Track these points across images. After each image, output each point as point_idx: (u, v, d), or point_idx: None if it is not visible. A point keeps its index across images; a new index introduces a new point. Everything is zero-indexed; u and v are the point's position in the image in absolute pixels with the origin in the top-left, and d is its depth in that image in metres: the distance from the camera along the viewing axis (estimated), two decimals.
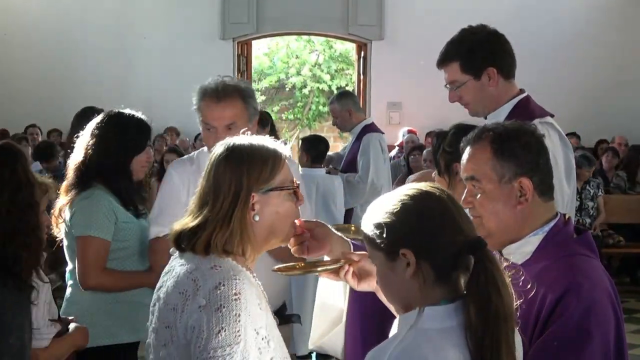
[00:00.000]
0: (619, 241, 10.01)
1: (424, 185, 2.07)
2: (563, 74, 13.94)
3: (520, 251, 2.40)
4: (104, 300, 3.93)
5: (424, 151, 8.90)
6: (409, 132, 13.18)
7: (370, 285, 2.35)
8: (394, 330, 2.07)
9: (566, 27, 14.07)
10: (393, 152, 12.19)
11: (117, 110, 4.18)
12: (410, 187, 2.06)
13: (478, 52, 3.48)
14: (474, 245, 1.96)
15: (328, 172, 7.09)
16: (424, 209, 2.00)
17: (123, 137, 4.02)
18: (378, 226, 2.02)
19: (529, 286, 2.24)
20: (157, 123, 13.86)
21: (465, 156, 2.48)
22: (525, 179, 2.37)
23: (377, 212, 2.05)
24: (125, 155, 4.00)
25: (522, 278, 2.18)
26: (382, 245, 2.01)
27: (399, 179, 9.58)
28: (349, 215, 7.07)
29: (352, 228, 3.87)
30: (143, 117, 4.21)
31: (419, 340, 1.91)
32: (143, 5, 14.33)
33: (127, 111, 4.20)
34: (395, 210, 2.00)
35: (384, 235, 2.00)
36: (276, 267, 2.44)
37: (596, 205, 9.75)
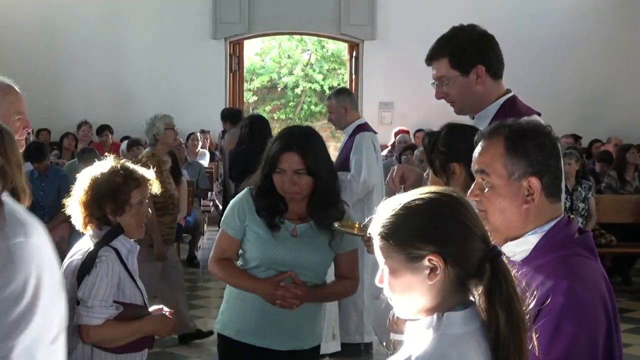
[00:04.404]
0: (611, 241, 10.01)
1: (444, 189, 2.03)
2: (557, 75, 13.99)
3: (518, 249, 2.40)
4: (230, 293, 4.03)
5: (416, 150, 8.90)
6: (401, 132, 13.22)
7: None
8: (405, 335, 2.05)
9: (560, 27, 14.11)
10: (384, 152, 12.20)
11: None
12: (434, 190, 2.01)
13: (468, 49, 3.48)
14: (495, 253, 1.95)
15: None
16: (455, 213, 1.96)
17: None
18: (401, 227, 1.96)
19: (524, 284, 2.24)
20: None
21: (478, 149, 2.47)
22: (535, 178, 2.37)
23: (398, 213, 1.98)
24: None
25: (520, 276, 2.17)
26: (404, 248, 1.96)
27: None
28: None
29: (356, 225, 3.87)
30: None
31: (443, 346, 1.88)
32: (134, 4, 14.31)
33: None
34: (423, 213, 1.96)
35: (410, 238, 1.95)
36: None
37: (587, 207, 9.77)
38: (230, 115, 11.73)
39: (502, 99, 3.50)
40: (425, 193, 2.00)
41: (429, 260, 1.92)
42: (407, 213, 1.97)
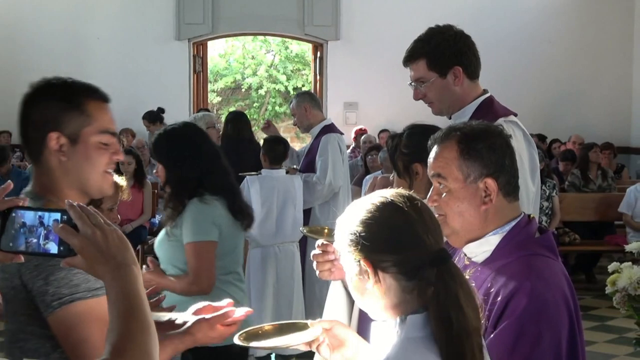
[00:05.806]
0: (575, 239, 10.10)
1: (389, 194, 2.03)
2: (521, 74, 14.06)
3: (480, 250, 2.41)
4: None
5: (381, 152, 8.91)
6: (360, 132, 13.26)
7: (343, 355, 2.27)
8: (372, 335, 2.07)
9: (524, 27, 14.20)
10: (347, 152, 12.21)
11: None
12: (378, 196, 2.03)
13: (445, 50, 3.50)
14: (436, 259, 1.93)
15: (287, 172, 7.10)
16: (385, 221, 1.98)
17: None
18: (349, 235, 2.00)
19: (488, 285, 2.24)
20: None
21: (432, 154, 2.48)
22: (490, 179, 2.38)
23: (348, 221, 2.03)
24: None
25: (480, 277, 2.17)
26: (351, 255, 2.00)
27: (356, 179, 9.59)
28: (307, 215, 7.07)
29: (326, 230, 3.86)
30: None
31: (407, 349, 1.89)
32: (97, 5, 14.18)
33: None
34: (359, 220, 1.99)
35: (350, 245, 1.99)
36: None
37: (551, 206, 9.85)
38: (156, 117, 12.48)
39: (480, 100, 3.53)
40: (376, 198, 2.03)
41: (363, 266, 1.97)
42: (351, 222, 2.01)
